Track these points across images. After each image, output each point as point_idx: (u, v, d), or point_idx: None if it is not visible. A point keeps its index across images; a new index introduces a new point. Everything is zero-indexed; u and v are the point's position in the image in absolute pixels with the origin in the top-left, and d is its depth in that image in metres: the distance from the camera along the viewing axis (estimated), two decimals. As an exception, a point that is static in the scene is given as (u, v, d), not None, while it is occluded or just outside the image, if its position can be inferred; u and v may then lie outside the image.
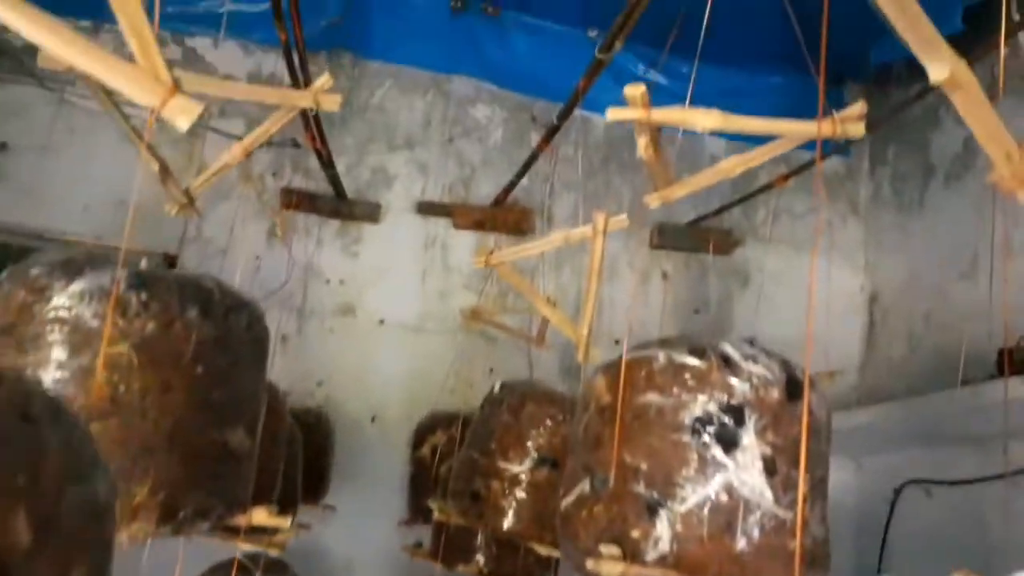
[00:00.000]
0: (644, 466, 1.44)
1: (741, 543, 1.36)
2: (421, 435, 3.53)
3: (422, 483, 3.37)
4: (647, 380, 1.50)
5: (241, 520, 1.53)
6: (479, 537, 2.75)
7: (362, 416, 3.84)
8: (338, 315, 3.93)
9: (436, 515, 2.53)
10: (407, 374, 3.89)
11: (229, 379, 1.54)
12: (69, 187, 3.66)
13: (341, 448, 3.67)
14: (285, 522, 1.60)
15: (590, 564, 1.42)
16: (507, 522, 2.28)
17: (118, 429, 1.38)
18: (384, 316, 3.96)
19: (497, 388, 2.57)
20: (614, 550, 1.40)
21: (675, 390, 1.47)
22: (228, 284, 1.65)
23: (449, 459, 2.85)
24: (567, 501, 1.56)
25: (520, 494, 2.30)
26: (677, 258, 4.23)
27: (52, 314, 1.41)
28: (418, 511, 3.40)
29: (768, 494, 1.39)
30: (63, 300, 1.41)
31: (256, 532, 2.29)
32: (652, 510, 1.40)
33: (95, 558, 0.73)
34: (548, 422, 2.38)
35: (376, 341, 3.93)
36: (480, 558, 2.76)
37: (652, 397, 1.49)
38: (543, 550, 2.31)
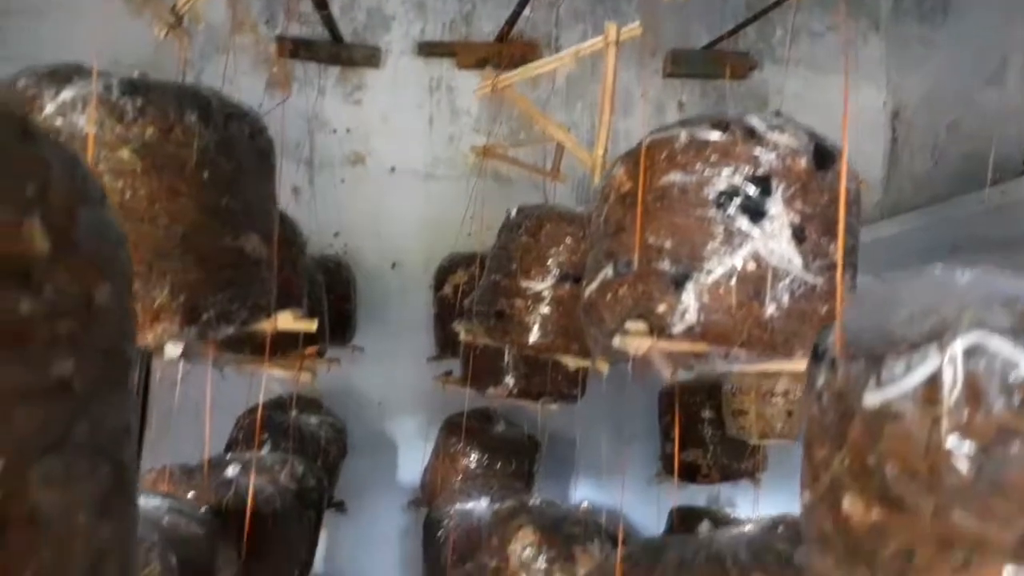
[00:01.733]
0: (668, 244, 1.41)
1: (770, 309, 1.35)
2: (442, 276, 3.54)
3: (446, 321, 3.39)
4: (668, 160, 1.45)
5: (267, 325, 1.53)
6: (507, 358, 2.79)
7: (382, 264, 3.84)
8: (348, 165, 3.87)
9: (463, 336, 2.55)
10: (422, 221, 3.87)
11: (237, 186, 1.51)
12: (61, 51, 3.54)
13: (363, 295, 3.70)
14: (311, 325, 1.61)
15: (616, 341, 1.41)
16: (533, 337, 2.30)
17: (129, 235, 1.35)
18: (394, 164, 3.89)
19: (514, 213, 2.53)
20: (640, 325, 1.39)
21: (698, 166, 1.42)
22: (226, 95, 1.59)
23: (471, 295, 2.86)
24: (590, 289, 1.54)
25: (544, 309, 2.30)
26: (692, 86, 4.09)
27: (45, 124, 1.36)
28: (444, 346, 3.45)
29: (797, 260, 1.36)
30: (54, 108, 1.37)
31: (287, 361, 2.34)
32: (678, 284, 1.38)
33: (117, 285, 0.71)
34: (568, 240, 2.35)
35: (389, 189, 3.88)
36: (509, 379, 2.81)
37: (675, 176, 1.44)
38: (569, 361, 2.33)
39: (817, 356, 0.75)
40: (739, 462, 3.37)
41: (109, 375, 0.69)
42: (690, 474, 3.39)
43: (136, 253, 1.33)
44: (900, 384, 0.61)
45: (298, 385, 3.04)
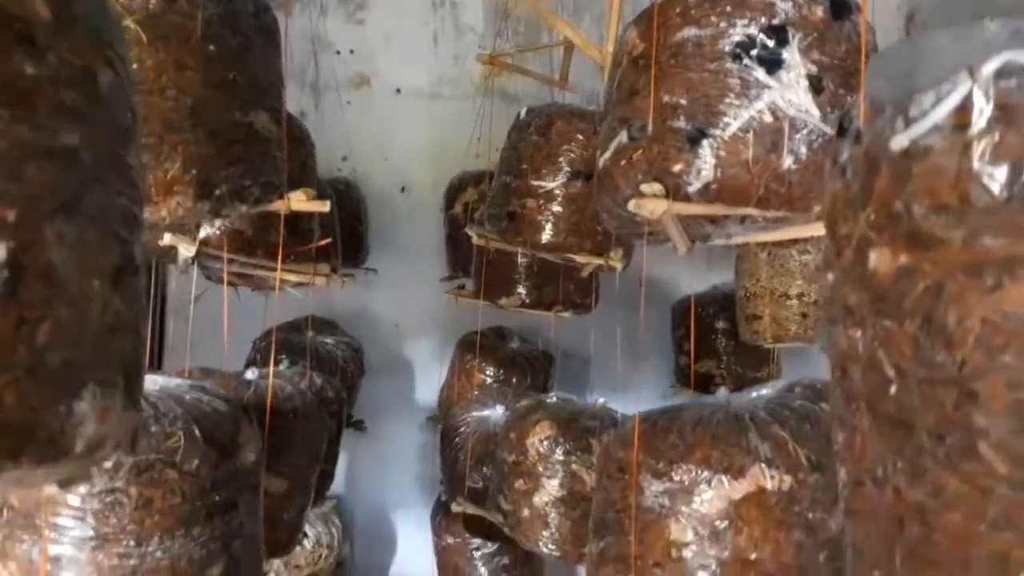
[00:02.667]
0: (683, 101, 1.38)
1: (787, 162, 1.32)
2: (452, 195, 3.52)
3: (458, 241, 3.39)
4: (682, 16, 1.42)
5: (279, 205, 1.52)
6: (519, 268, 2.78)
7: (390, 187, 3.82)
8: (353, 87, 3.82)
9: (475, 240, 2.54)
10: (430, 143, 3.83)
11: (244, 61, 1.49)
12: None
13: (373, 220, 3.68)
14: (324, 205, 1.59)
15: (632, 205, 1.40)
16: (545, 236, 2.29)
17: (138, 108, 1.34)
18: (400, 84, 3.84)
19: (523, 114, 2.50)
20: (656, 187, 1.37)
21: (712, 19, 1.38)
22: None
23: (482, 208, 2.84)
24: (604, 157, 1.52)
25: (556, 208, 2.29)
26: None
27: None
28: (457, 266, 3.45)
29: (815, 111, 1.33)
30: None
31: (301, 266, 2.34)
32: (694, 141, 1.36)
33: (119, 75, 0.70)
34: (579, 136, 2.32)
35: (396, 111, 3.84)
36: (521, 289, 2.81)
37: (689, 32, 1.40)
38: (582, 259, 2.32)
39: (842, 130, 0.73)
40: (754, 371, 3.38)
41: (115, 158, 0.68)
42: (704, 384, 3.39)
43: (146, 125, 1.32)
44: (929, 117, 0.60)
45: (313, 293, 3.05)
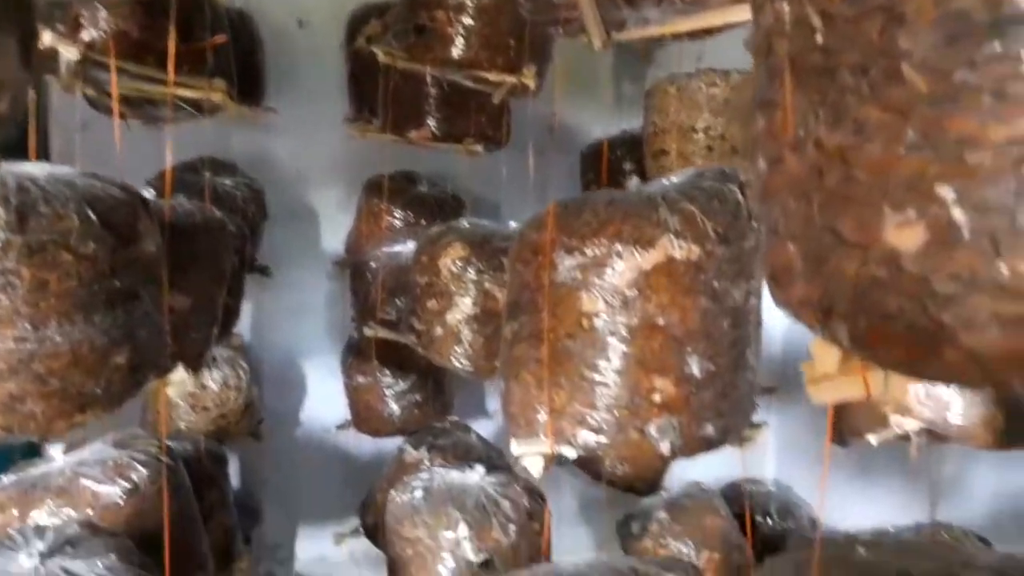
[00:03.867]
0: None
1: (707, -73, 1.30)
2: (354, 28, 3.34)
3: (362, 78, 3.25)
4: None
5: None
6: (428, 98, 2.70)
7: (287, 21, 3.60)
8: (244, -91, 3.53)
9: (381, 58, 2.44)
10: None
11: None
12: None
13: (271, 58, 3.48)
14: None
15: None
16: (456, 51, 2.21)
17: None
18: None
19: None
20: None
21: None
22: None
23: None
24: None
25: (467, 20, 2.21)
26: None
27: None
28: (361, 105, 3.32)
29: None
30: None
31: (195, 82, 2.20)
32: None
33: None
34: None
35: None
36: (431, 121, 2.74)
37: None
38: (494, 77, 2.27)
39: None
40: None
41: None
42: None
43: None
44: None
45: (210, 132, 2.91)
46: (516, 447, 1.45)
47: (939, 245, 0.57)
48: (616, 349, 1.36)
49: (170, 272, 1.82)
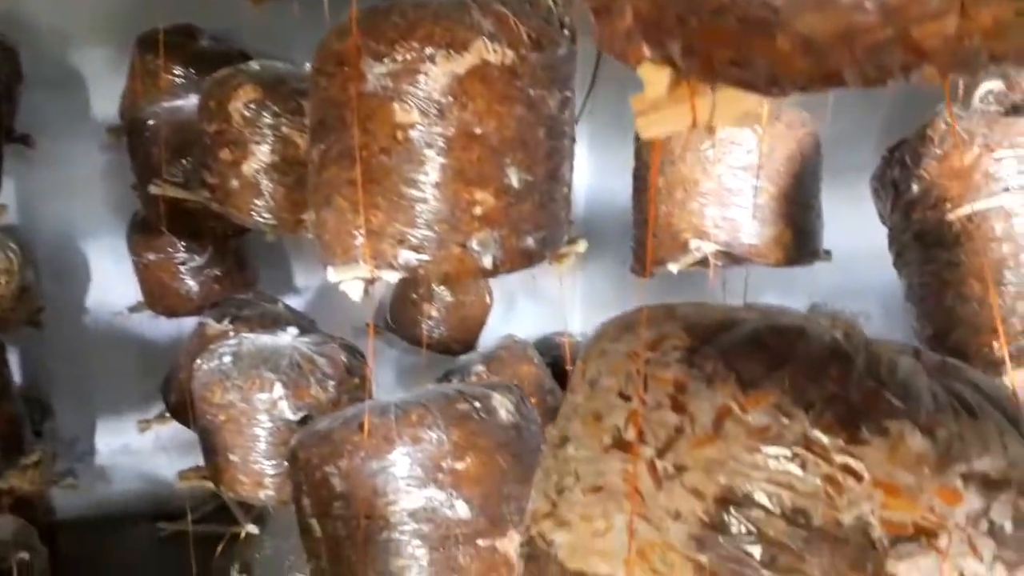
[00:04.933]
0: None
1: None
2: None
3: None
4: None
5: None
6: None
7: None
8: None
9: None
10: None
11: None
12: None
13: None
14: None
15: None
16: None
17: None
18: None
19: None
20: None
21: None
22: None
23: None
24: None
25: None
26: None
27: None
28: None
29: None
30: None
31: None
32: None
33: None
34: None
35: None
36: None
37: None
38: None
39: None
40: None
41: None
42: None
43: None
44: None
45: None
46: (333, 274, 1.38)
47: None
48: (434, 162, 1.30)
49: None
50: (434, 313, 3.30)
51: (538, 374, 3.08)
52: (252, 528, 2.98)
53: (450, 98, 1.28)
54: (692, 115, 0.69)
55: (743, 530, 0.72)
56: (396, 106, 1.29)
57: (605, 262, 3.17)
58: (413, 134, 1.29)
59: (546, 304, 3.54)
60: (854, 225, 2.13)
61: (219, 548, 2.85)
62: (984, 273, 1.46)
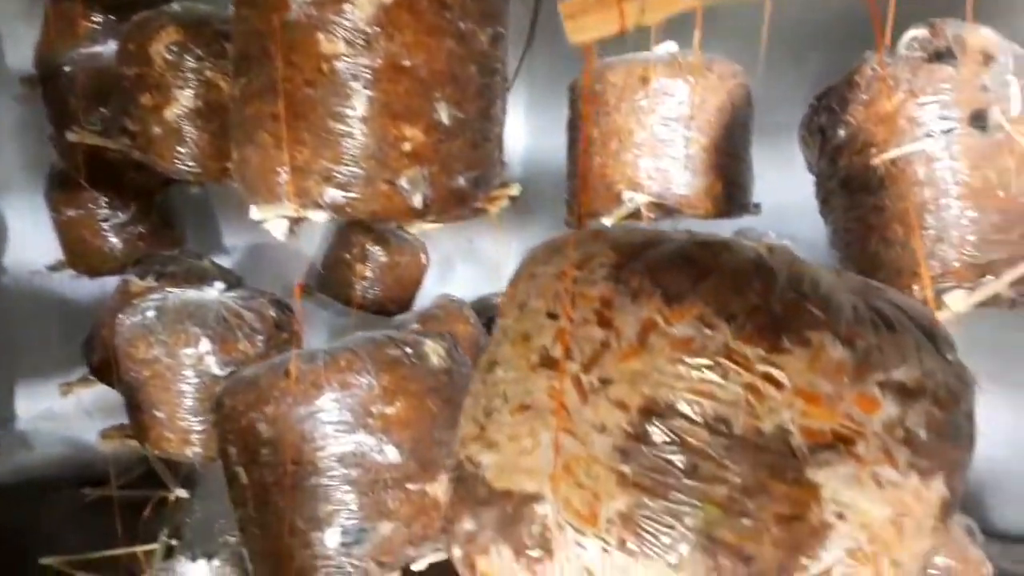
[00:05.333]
0: None
1: None
2: None
3: None
4: None
5: None
6: None
7: None
8: None
9: None
10: None
11: None
12: None
13: None
14: None
15: None
16: None
17: None
18: None
19: None
20: None
21: None
22: None
23: None
24: None
25: None
26: None
27: None
28: None
29: None
30: None
31: None
32: None
33: None
34: None
35: None
36: None
37: None
38: None
39: None
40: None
41: None
42: None
43: None
44: None
45: None
46: (256, 212, 1.33)
47: None
48: (361, 95, 1.26)
49: None
50: (368, 273, 3.25)
51: (474, 333, 3.06)
52: (181, 492, 2.91)
53: (377, 28, 1.24)
54: (621, 19, 0.67)
55: (665, 440, 0.72)
56: (321, 36, 1.24)
57: (543, 223, 3.15)
58: (339, 65, 1.25)
59: (483, 265, 3.53)
60: (784, 181, 2.16)
61: (145, 512, 2.78)
62: (907, 217, 1.49)
